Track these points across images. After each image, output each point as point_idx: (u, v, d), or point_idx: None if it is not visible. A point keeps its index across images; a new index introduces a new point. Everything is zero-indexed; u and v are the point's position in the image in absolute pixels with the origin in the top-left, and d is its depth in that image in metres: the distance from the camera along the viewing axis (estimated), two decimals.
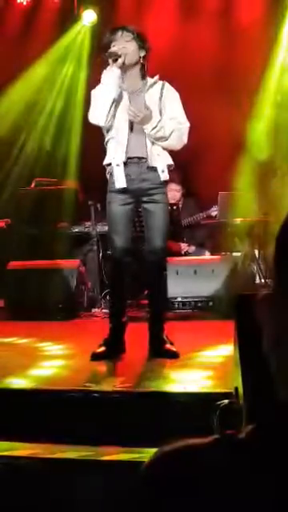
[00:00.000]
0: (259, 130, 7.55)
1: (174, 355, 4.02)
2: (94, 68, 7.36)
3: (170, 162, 4.15)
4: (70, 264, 6.34)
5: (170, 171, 4.18)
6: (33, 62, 8.41)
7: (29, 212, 6.96)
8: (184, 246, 7.02)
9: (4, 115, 8.33)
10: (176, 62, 7.62)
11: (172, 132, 4.06)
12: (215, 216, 6.94)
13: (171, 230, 6.61)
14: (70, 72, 8.55)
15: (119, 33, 4.07)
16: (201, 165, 7.23)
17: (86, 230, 6.84)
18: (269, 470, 0.66)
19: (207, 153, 7.18)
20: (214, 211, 6.96)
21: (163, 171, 4.08)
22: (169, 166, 4.14)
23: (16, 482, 2.84)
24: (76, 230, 6.93)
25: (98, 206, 6.46)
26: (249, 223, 6.70)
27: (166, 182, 4.15)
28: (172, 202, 6.88)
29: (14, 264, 6.35)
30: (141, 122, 4.00)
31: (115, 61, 4.00)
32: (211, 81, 7.51)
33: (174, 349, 4.07)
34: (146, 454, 2.85)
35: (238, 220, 6.68)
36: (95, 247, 6.65)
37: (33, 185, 7.29)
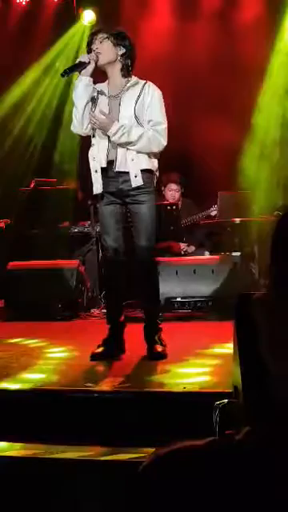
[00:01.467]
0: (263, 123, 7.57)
1: (159, 356, 4.00)
2: None
3: (146, 166, 4.06)
4: (69, 264, 6.34)
5: (153, 174, 4.12)
6: (32, 61, 8.41)
7: (28, 212, 6.96)
8: (183, 246, 7.02)
9: (3, 116, 8.33)
10: (176, 60, 7.62)
11: (141, 136, 3.99)
12: (215, 216, 6.94)
13: (170, 230, 6.64)
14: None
15: (95, 35, 4.11)
16: (200, 164, 7.24)
17: (86, 229, 6.83)
18: (265, 470, 0.65)
19: (207, 152, 7.19)
20: (213, 211, 6.95)
21: (136, 176, 4.02)
22: (145, 171, 4.05)
23: (16, 483, 2.84)
24: (75, 229, 6.93)
25: (98, 205, 6.44)
26: (248, 223, 6.69)
27: (148, 184, 4.08)
28: (171, 201, 6.89)
29: (13, 264, 6.34)
30: (100, 127, 4.01)
31: (81, 71, 4.03)
32: (211, 79, 7.50)
33: (160, 349, 4.05)
34: (146, 454, 2.85)
35: (238, 220, 6.68)
36: (94, 247, 6.65)
37: (32, 185, 7.29)
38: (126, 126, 3.99)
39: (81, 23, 8.48)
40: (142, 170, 4.04)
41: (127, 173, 4.04)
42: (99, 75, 4.16)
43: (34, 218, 6.94)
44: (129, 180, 4.04)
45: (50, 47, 8.52)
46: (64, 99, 8.41)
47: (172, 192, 7.07)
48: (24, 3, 8.59)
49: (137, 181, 4.03)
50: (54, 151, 8.39)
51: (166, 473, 0.70)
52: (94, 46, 4.08)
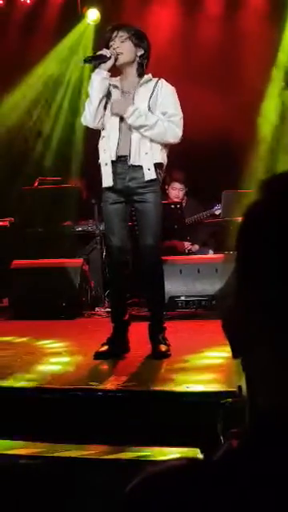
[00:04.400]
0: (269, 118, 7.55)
1: (163, 356, 3.99)
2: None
3: (159, 160, 4.06)
4: (73, 263, 6.33)
5: (162, 170, 4.11)
6: (37, 61, 8.41)
7: (32, 211, 6.96)
8: (187, 245, 7.01)
9: (8, 114, 8.34)
10: (179, 57, 7.62)
11: (157, 122, 3.99)
12: (219, 214, 6.93)
13: (175, 229, 6.63)
14: (73, 70, 8.55)
15: (115, 32, 4.08)
16: (204, 162, 7.22)
17: (90, 228, 6.83)
18: (243, 492, 0.64)
19: (210, 150, 7.18)
20: (217, 210, 6.94)
21: (149, 169, 4.01)
22: (158, 165, 4.06)
23: (19, 481, 2.83)
24: (79, 228, 6.93)
25: (102, 204, 6.44)
26: None
27: (157, 181, 4.08)
28: (175, 200, 6.88)
29: (17, 263, 6.34)
30: (116, 110, 4.00)
31: (100, 64, 4.02)
32: (214, 76, 7.49)
33: (164, 349, 4.03)
34: (150, 452, 2.85)
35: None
36: (98, 246, 6.65)
37: (36, 183, 7.29)
38: (142, 111, 3.99)
39: (85, 22, 8.48)
40: (154, 164, 4.03)
41: (138, 168, 4.02)
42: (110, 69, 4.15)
43: (38, 216, 6.94)
44: (137, 177, 4.03)
45: (53, 46, 8.51)
46: (69, 98, 8.41)
47: (176, 191, 7.05)
48: (28, 1, 8.59)
49: (150, 174, 4.01)
50: (58, 150, 8.38)
51: (151, 496, 0.69)
52: (114, 44, 4.04)
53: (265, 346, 0.70)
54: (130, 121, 3.99)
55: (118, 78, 4.17)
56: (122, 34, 4.06)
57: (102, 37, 4.19)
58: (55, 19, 8.58)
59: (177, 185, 7.04)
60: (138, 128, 4.00)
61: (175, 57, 7.59)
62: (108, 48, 4.06)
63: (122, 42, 4.05)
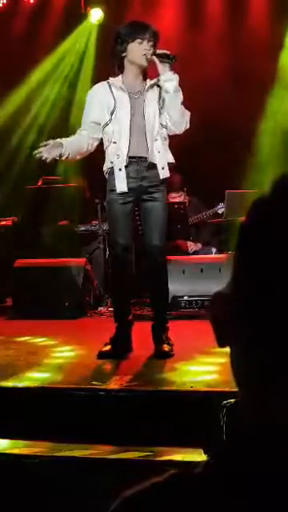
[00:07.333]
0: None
1: (166, 356, 3.99)
2: (100, 66, 7.36)
3: (171, 159, 4.13)
4: (76, 262, 6.34)
5: (170, 171, 4.16)
6: (40, 60, 8.42)
7: (35, 210, 6.96)
8: (191, 245, 6.99)
9: (12, 113, 8.34)
10: (181, 58, 7.61)
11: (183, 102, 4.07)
12: (222, 213, 6.92)
13: (178, 228, 6.62)
14: (76, 70, 8.55)
15: (148, 33, 4.05)
16: (206, 160, 7.22)
17: (93, 228, 6.83)
18: (220, 507, 0.64)
19: (214, 149, 7.17)
20: (220, 209, 6.93)
21: (163, 168, 4.06)
22: (169, 164, 4.12)
23: (22, 480, 2.84)
24: (82, 228, 6.93)
25: (108, 204, 6.44)
26: None
27: (165, 180, 4.12)
28: (179, 200, 6.87)
29: (20, 262, 6.34)
30: (164, 61, 4.03)
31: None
32: (217, 77, 7.49)
33: (167, 349, 4.04)
34: (152, 452, 2.84)
35: None
36: (101, 245, 6.64)
37: (40, 183, 7.29)
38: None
39: (88, 21, 8.48)
40: (167, 163, 4.09)
41: (153, 167, 4.05)
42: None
43: (41, 215, 6.94)
44: (150, 176, 4.05)
45: (57, 45, 8.51)
46: (72, 97, 8.41)
47: (175, 200, 7.01)
48: (32, 1, 8.59)
49: (164, 173, 4.06)
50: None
51: None
52: (143, 44, 4.02)
53: (242, 343, 0.70)
54: (171, 83, 4.01)
55: (120, 78, 4.16)
56: (154, 41, 4.06)
57: (128, 27, 4.14)
58: (59, 19, 8.57)
59: (173, 194, 6.99)
60: (175, 91, 4.02)
61: (179, 55, 7.58)
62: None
63: (152, 46, 4.05)
